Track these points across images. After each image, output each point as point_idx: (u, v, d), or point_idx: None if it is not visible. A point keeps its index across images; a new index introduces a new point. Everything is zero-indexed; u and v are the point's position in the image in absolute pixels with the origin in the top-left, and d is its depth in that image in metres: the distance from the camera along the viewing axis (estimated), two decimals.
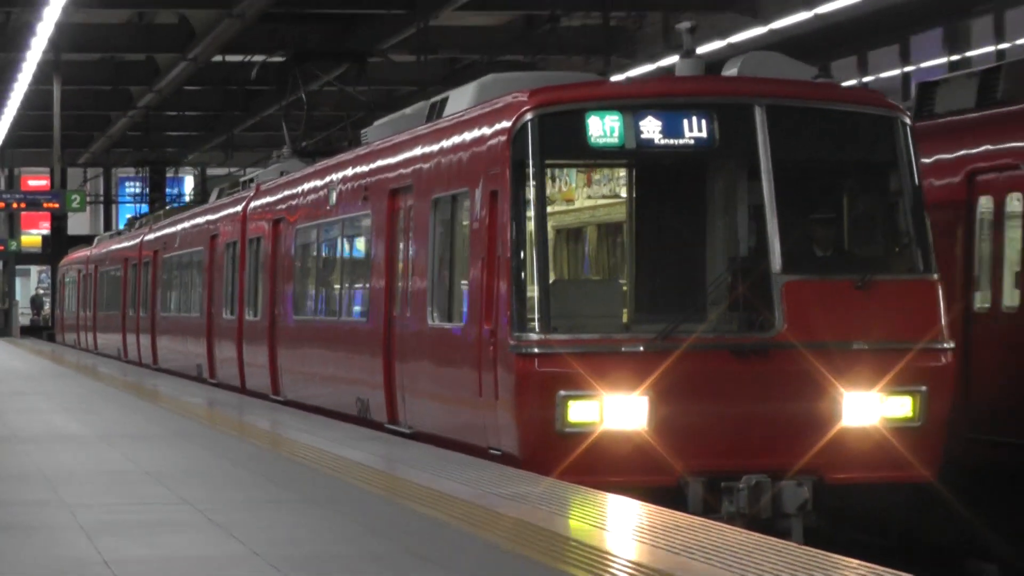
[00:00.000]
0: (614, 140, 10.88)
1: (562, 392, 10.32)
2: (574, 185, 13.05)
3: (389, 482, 11.46)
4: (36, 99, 40.98)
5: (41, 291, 58.40)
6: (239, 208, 22.76)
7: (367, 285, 16.05)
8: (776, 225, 10.71)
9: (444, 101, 15.02)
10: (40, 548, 8.56)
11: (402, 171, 14.77)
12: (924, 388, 10.76)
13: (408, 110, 17.31)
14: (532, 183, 10.79)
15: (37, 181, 50.20)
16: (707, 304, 11.05)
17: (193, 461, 14.04)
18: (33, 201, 43.38)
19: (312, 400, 18.38)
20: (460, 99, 14.41)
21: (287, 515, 10.27)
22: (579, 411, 10.34)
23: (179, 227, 28.78)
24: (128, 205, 50.77)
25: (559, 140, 11.04)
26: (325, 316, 18.52)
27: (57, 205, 42.27)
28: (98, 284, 40.60)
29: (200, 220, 26.42)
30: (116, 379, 28.45)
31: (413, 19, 29.03)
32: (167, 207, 41.78)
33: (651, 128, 10.88)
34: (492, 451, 11.34)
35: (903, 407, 10.77)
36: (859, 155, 11.67)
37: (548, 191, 11.30)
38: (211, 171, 50.10)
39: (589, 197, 13.12)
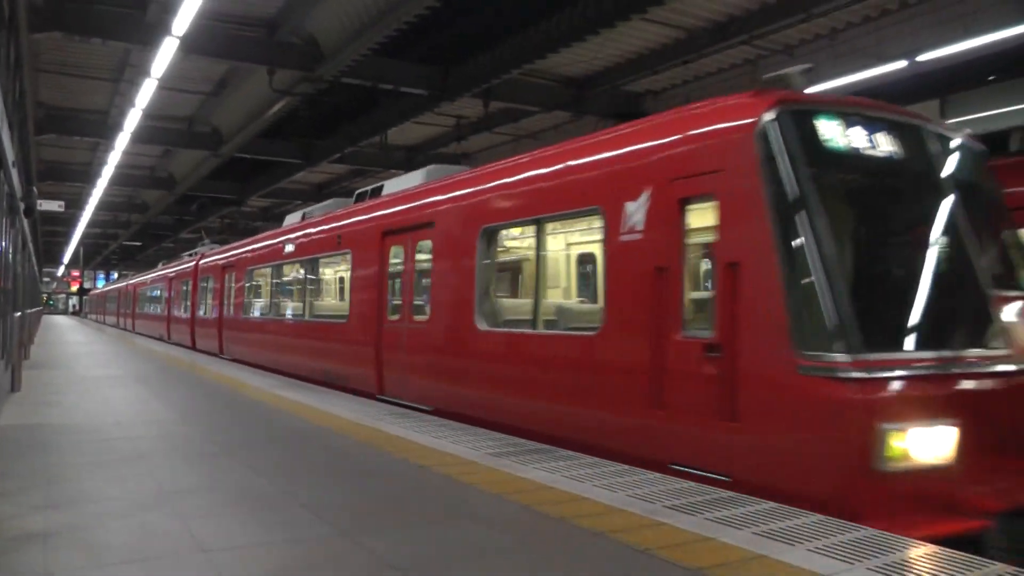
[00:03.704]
0: (862, 145, 8.77)
1: (885, 425, 7.60)
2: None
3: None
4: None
5: (75, 305, 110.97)
6: (192, 263, 31.85)
7: (351, 298, 16.60)
8: (977, 244, 8.71)
9: (380, 188, 16.86)
10: (67, 372, 18.09)
11: (416, 214, 14.45)
12: None
13: (330, 201, 20.15)
14: (810, 179, 8.30)
15: (75, 273, 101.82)
16: (968, 325, 8.64)
17: (134, 361, 22.34)
18: (73, 279, 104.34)
19: (251, 359, 22.31)
20: (403, 182, 15.96)
21: (185, 388, 15.78)
22: (895, 444, 7.64)
23: (147, 276, 45.84)
24: (99, 280, 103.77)
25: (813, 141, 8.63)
26: (290, 317, 20.63)
27: (80, 280, 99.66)
28: (106, 300, 71.28)
29: (160, 273, 40.35)
30: (108, 331, 48.97)
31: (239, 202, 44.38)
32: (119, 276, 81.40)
33: (878, 140, 8.93)
34: (674, 467, 9.06)
35: None
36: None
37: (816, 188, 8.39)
38: (123, 271, 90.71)
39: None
